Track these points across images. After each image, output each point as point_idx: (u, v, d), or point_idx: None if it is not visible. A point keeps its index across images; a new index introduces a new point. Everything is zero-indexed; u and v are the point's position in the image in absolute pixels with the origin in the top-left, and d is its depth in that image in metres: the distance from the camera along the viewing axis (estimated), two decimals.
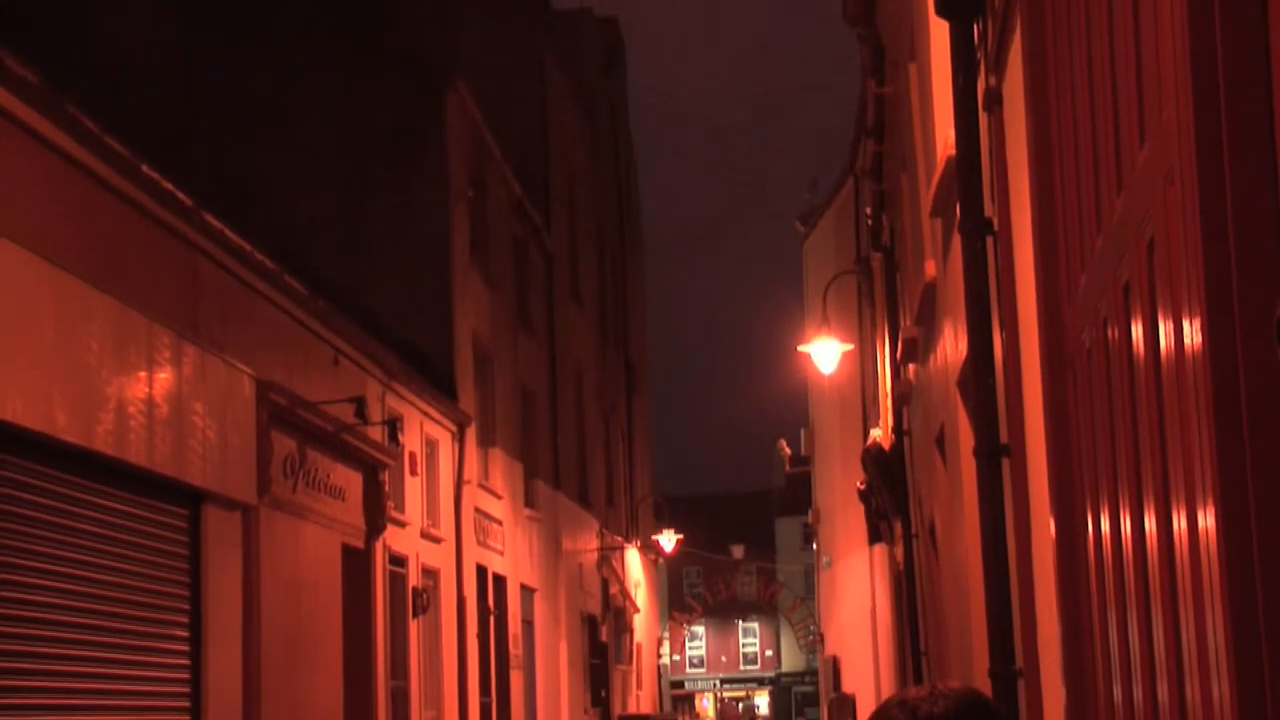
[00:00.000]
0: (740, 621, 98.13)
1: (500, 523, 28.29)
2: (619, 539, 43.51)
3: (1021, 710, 7.28)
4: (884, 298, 20.36)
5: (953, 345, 10.29)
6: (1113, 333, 4.63)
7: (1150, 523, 4.14)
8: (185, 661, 14.62)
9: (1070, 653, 5.83)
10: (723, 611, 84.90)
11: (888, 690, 27.20)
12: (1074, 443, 5.69)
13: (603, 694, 38.97)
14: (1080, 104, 5.11)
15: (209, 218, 15.16)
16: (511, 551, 29.32)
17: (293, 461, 17.46)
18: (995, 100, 7.34)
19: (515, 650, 29.27)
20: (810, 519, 49.11)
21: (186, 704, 14.61)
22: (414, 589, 22.37)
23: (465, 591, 25.24)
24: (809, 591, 62.68)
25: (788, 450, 50.95)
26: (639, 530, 48.19)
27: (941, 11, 8.09)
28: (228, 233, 15.65)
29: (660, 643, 56.69)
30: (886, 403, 22.02)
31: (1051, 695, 6.61)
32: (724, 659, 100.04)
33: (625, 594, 43.63)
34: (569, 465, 36.29)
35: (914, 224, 14.38)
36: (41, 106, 11.96)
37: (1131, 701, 4.69)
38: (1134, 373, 4.27)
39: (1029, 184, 6.14)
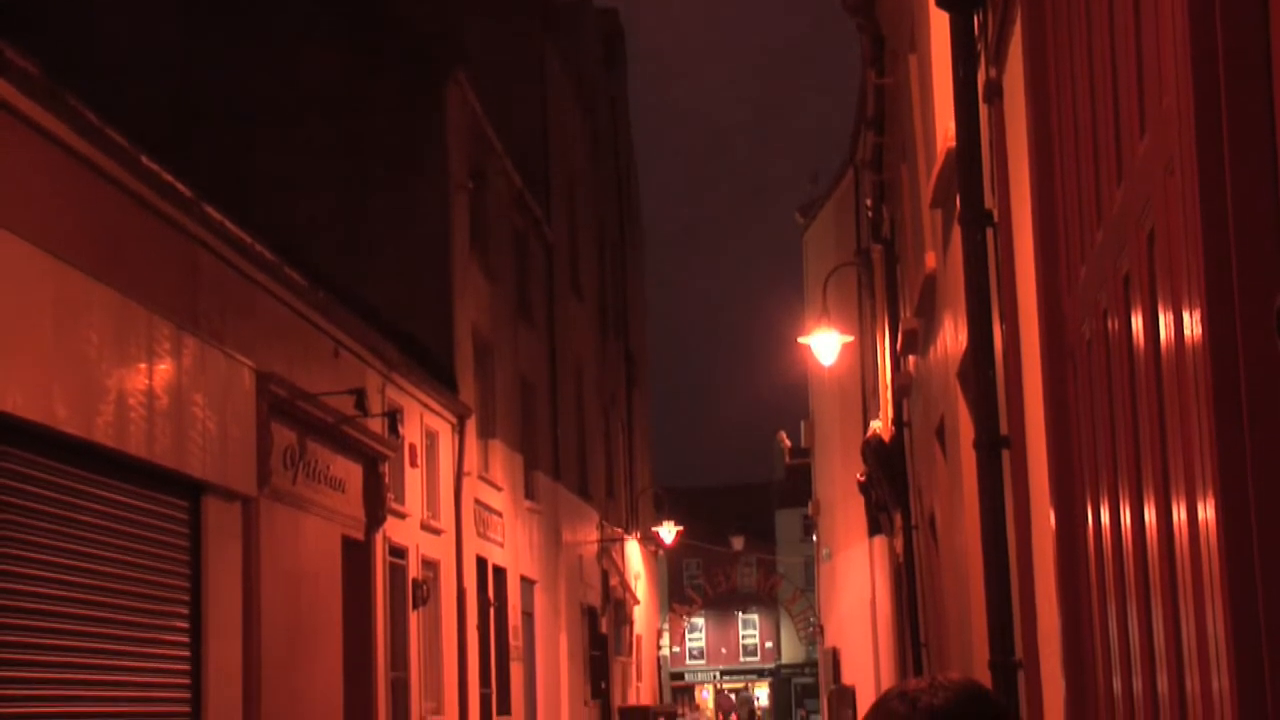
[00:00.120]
0: (740, 613, 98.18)
1: (500, 514, 28.30)
2: (619, 531, 43.53)
3: (1021, 701, 7.28)
4: (884, 289, 20.36)
5: (953, 337, 10.29)
6: (1113, 324, 4.63)
7: (1150, 514, 4.14)
8: (185, 653, 14.63)
9: (1070, 644, 5.84)
10: (722, 603, 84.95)
11: (887, 682, 27.22)
12: (1074, 434, 5.69)
13: (603, 685, 39.00)
14: (1080, 95, 5.11)
15: (209, 210, 15.16)
16: (511, 543, 29.33)
17: (293, 453, 17.47)
18: (995, 92, 7.34)
19: (515, 642, 29.29)
20: (810, 511, 49.13)
21: (187, 694, 14.62)
22: (414, 580, 22.38)
23: (465, 583, 25.26)
24: (809, 583, 62.72)
25: (788, 442, 50.97)
26: (639, 522, 48.21)
27: (942, 3, 8.08)
28: (228, 225, 15.65)
29: (660, 634, 56.73)
30: (886, 394, 22.02)
31: (1051, 687, 6.62)
32: (724, 651, 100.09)
33: (625, 586, 43.66)
34: (569, 457, 36.30)
35: (914, 215, 14.37)
36: (43, 99, 11.96)
37: (1131, 693, 4.69)
38: (1134, 364, 4.27)
39: (1029, 175, 6.13)
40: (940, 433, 12.37)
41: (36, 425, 11.83)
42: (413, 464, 22.69)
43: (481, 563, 26.77)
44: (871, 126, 19.18)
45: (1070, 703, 5.91)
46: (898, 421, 19.35)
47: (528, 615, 30.82)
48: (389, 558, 21.19)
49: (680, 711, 57.64)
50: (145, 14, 26.00)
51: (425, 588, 22.78)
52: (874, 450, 21.71)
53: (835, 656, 42.58)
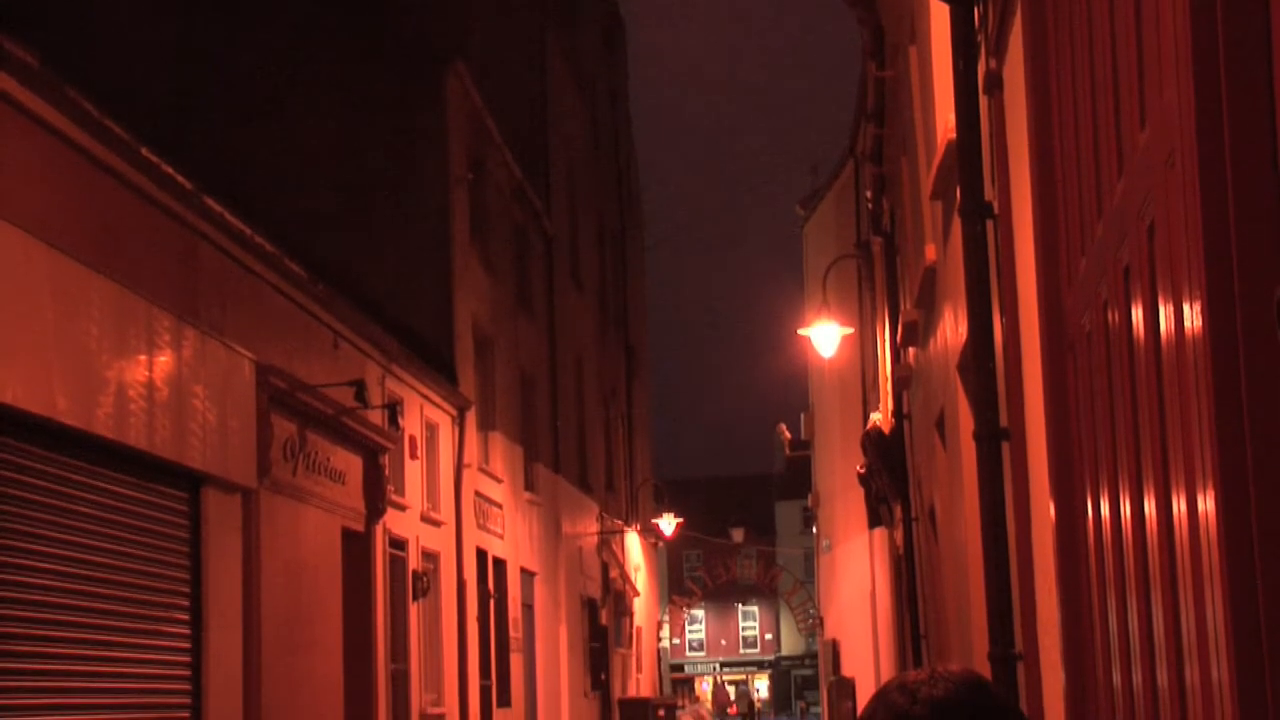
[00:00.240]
0: (740, 605, 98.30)
1: (500, 506, 28.31)
2: (619, 522, 43.54)
3: (1021, 693, 7.29)
4: (884, 281, 20.36)
5: (953, 329, 10.29)
6: (1113, 316, 4.63)
7: (1150, 506, 4.14)
8: (186, 644, 14.64)
9: (1070, 636, 5.84)
10: (722, 595, 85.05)
11: (887, 673, 27.23)
12: (1074, 426, 5.69)
13: (602, 677, 39.02)
14: (1081, 87, 5.11)
15: (209, 201, 15.15)
16: (511, 535, 29.34)
17: (293, 444, 17.47)
18: (996, 83, 7.34)
19: (515, 633, 29.31)
20: (810, 503, 49.16)
21: (187, 686, 14.63)
22: (414, 572, 22.39)
23: (465, 575, 25.27)
24: (809, 575, 62.73)
25: (788, 434, 50.98)
26: (639, 514, 48.22)
27: None
28: (228, 216, 15.64)
29: (660, 626, 56.76)
30: (886, 386, 22.02)
31: (1051, 678, 6.62)
32: (724, 642, 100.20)
33: (625, 577, 43.68)
34: (569, 449, 36.31)
35: (914, 208, 14.37)
36: (42, 90, 11.95)
37: (1131, 685, 4.70)
38: (1134, 356, 4.27)
39: (1029, 167, 6.13)
40: (940, 424, 12.37)
41: (36, 416, 11.84)
42: (413, 456, 22.69)
43: (481, 554, 26.78)
44: (872, 119, 19.17)
45: (1070, 694, 5.92)
46: (898, 413, 19.35)
47: (528, 607, 30.83)
48: (389, 549, 21.20)
49: (680, 703, 57.63)
50: (145, 6, 25.98)
51: (425, 579, 22.79)
52: (874, 442, 21.72)
53: (835, 648, 42.61)
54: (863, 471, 25.17)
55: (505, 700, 28.17)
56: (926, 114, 12.10)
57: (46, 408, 11.93)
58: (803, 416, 47.44)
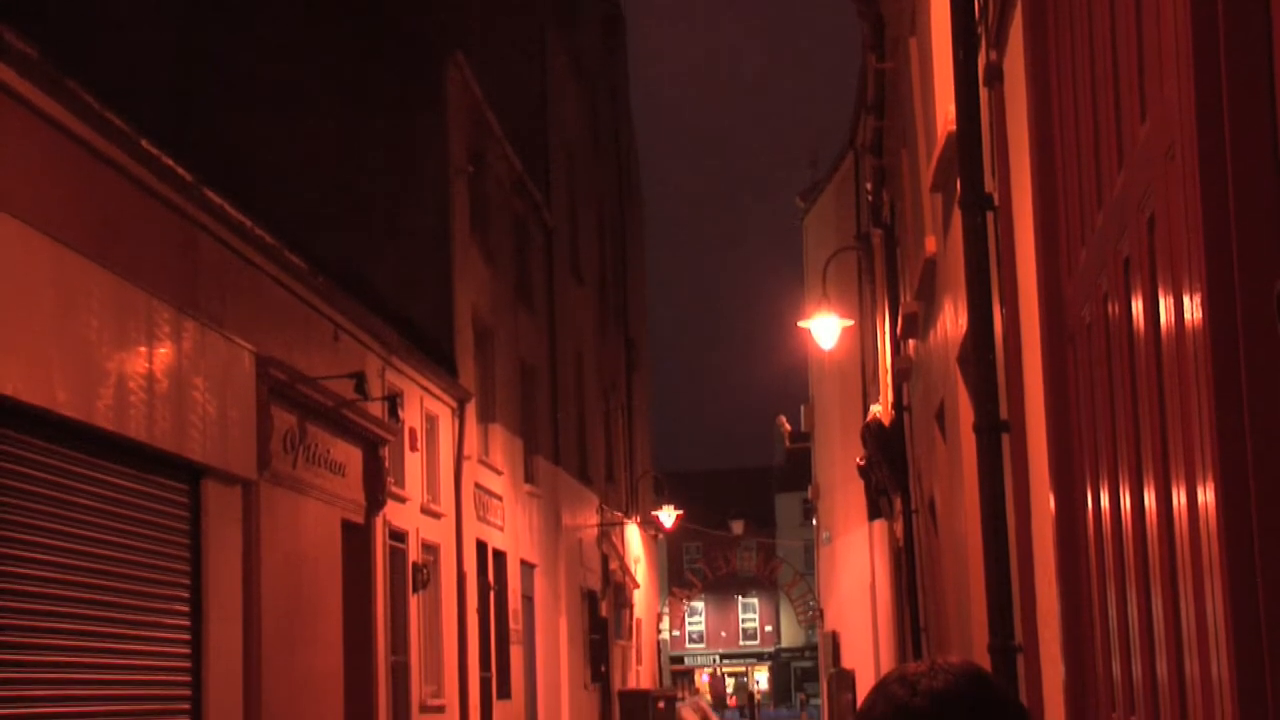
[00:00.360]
0: (740, 597, 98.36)
1: (500, 498, 28.31)
2: (619, 514, 43.55)
3: (1021, 685, 7.29)
4: (884, 273, 20.36)
5: (953, 321, 10.29)
6: (1113, 308, 4.63)
7: (1150, 498, 4.14)
8: (186, 636, 14.65)
9: (1070, 628, 5.84)
10: (722, 587, 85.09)
11: (887, 665, 27.25)
12: (1074, 418, 5.69)
13: (602, 669, 39.04)
14: (1081, 79, 5.10)
15: (209, 193, 15.15)
16: (511, 527, 29.34)
17: (293, 436, 17.47)
18: (996, 75, 7.33)
19: (515, 625, 29.32)
20: (810, 495, 49.17)
21: (187, 678, 14.64)
22: (414, 564, 22.39)
23: (465, 567, 25.27)
24: (808, 567, 62.79)
25: (788, 426, 51.01)
26: (639, 506, 48.23)
27: None
28: (228, 208, 15.64)
29: (660, 618, 56.79)
30: (886, 378, 22.03)
31: (1050, 670, 6.63)
32: (723, 634, 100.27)
33: (625, 569, 43.69)
34: (569, 441, 36.31)
35: (914, 199, 14.37)
36: (42, 82, 11.95)
37: (1131, 677, 4.70)
38: (1134, 348, 4.27)
39: (1030, 159, 6.13)
40: (940, 416, 12.37)
41: (36, 408, 11.84)
42: (413, 448, 22.69)
43: (481, 546, 26.79)
44: (872, 111, 19.16)
45: (1069, 687, 5.92)
46: (897, 405, 19.35)
47: (528, 599, 30.84)
48: (389, 541, 21.20)
49: (680, 695, 57.67)
50: (145, 1, 25.96)
51: (425, 571, 22.80)
52: (874, 434, 21.72)
53: (835, 640, 42.63)
54: (862, 464, 25.17)
55: (505, 692, 28.19)
56: (927, 106, 12.10)
57: (46, 399, 11.93)
58: (802, 409, 47.45)
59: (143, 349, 13.62)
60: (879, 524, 29.13)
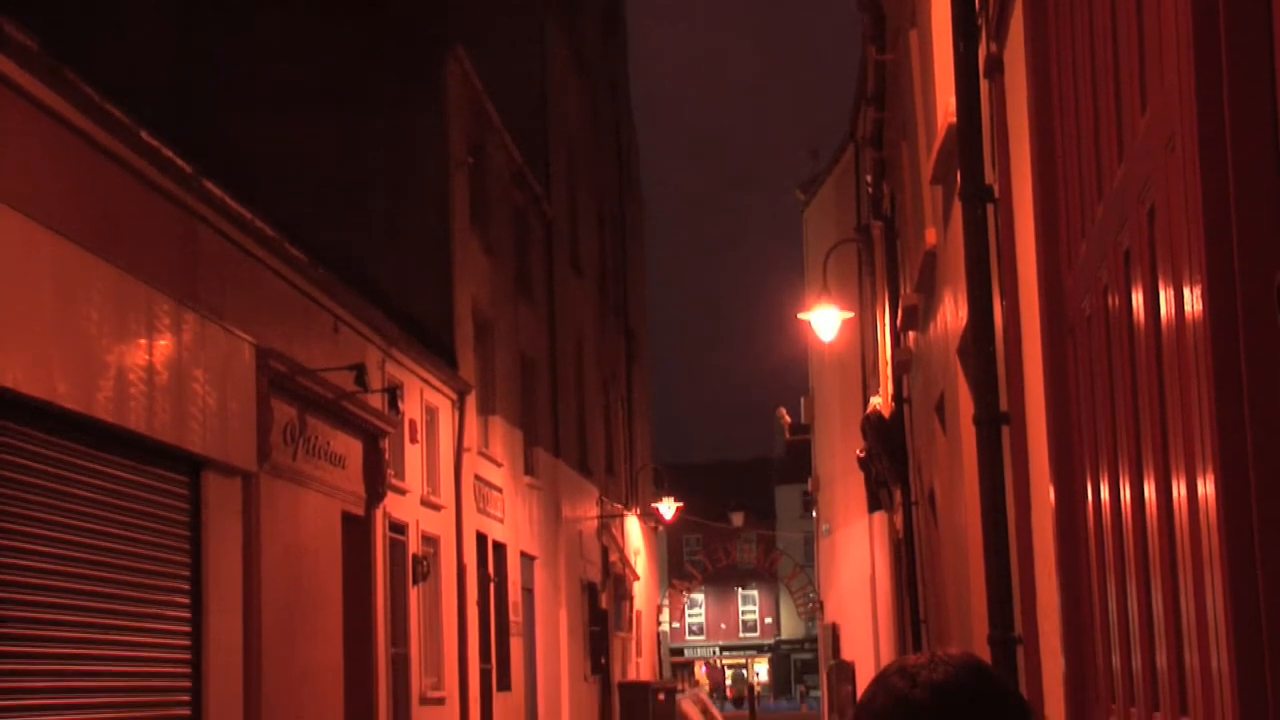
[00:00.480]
0: (740, 589, 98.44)
1: (500, 490, 28.32)
2: (619, 506, 43.56)
3: (1021, 677, 7.29)
4: (884, 265, 20.35)
5: (953, 313, 10.29)
6: (1113, 300, 4.63)
7: (1150, 490, 4.14)
8: (186, 628, 14.65)
9: (1069, 620, 5.85)
10: (722, 579, 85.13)
11: (887, 657, 27.26)
12: (1074, 410, 5.69)
13: (602, 661, 39.06)
14: (1081, 71, 5.10)
15: (209, 185, 15.14)
16: (511, 519, 29.35)
17: (293, 429, 17.47)
18: (996, 67, 7.33)
19: (515, 617, 29.33)
20: (810, 486, 49.17)
21: (187, 670, 14.64)
22: (414, 556, 22.40)
23: (465, 559, 25.28)
24: (808, 559, 62.78)
25: (788, 418, 50.98)
26: (639, 498, 48.24)
27: None
28: (228, 200, 15.63)
29: (660, 610, 56.81)
30: (886, 370, 22.03)
31: (1050, 662, 6.63)
32: (723, 626, 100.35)
33: (625, 561, 43.71)
34: (569, 433, 36.32)
35: (914, 191, 14.36)
36: (42, 73, 11.94)
37: (1130, 669, 4.70)
38: (1134, 340, 4.27)
39: (1030, 151, 6.13)
40: (940, 408, 12.37)
41: (36, 400, 11.84)
42: (413, 440, 22.70)
43: (481, 538, 26.80)
44: (872, 102, 19.15)
45: (1069, 678, 5.92)
46: (898, 397, 19.36)
47: (528, 591, 30.85)
48: (389, 533, 21.21)
49: (680, 687, 57.70)
50: None
51: (425, 563, 22.81)
52: (874, 426, 21.73)
53: (835, 632, 42.65)
54: (862, 456, 25.18)
55: (505, 684, 28.20)
56: (927, 98, 12.09)
57: (46, 392, 11.93)
58: (802, 400, 47.44)
59: (143, 341, 13.62)
60: (879, 516, 29.15)
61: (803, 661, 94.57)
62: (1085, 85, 5.01)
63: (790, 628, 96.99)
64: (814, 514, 50.99)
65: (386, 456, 20.75)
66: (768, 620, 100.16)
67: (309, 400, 17.93)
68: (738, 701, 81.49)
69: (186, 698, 14.59)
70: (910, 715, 2.47)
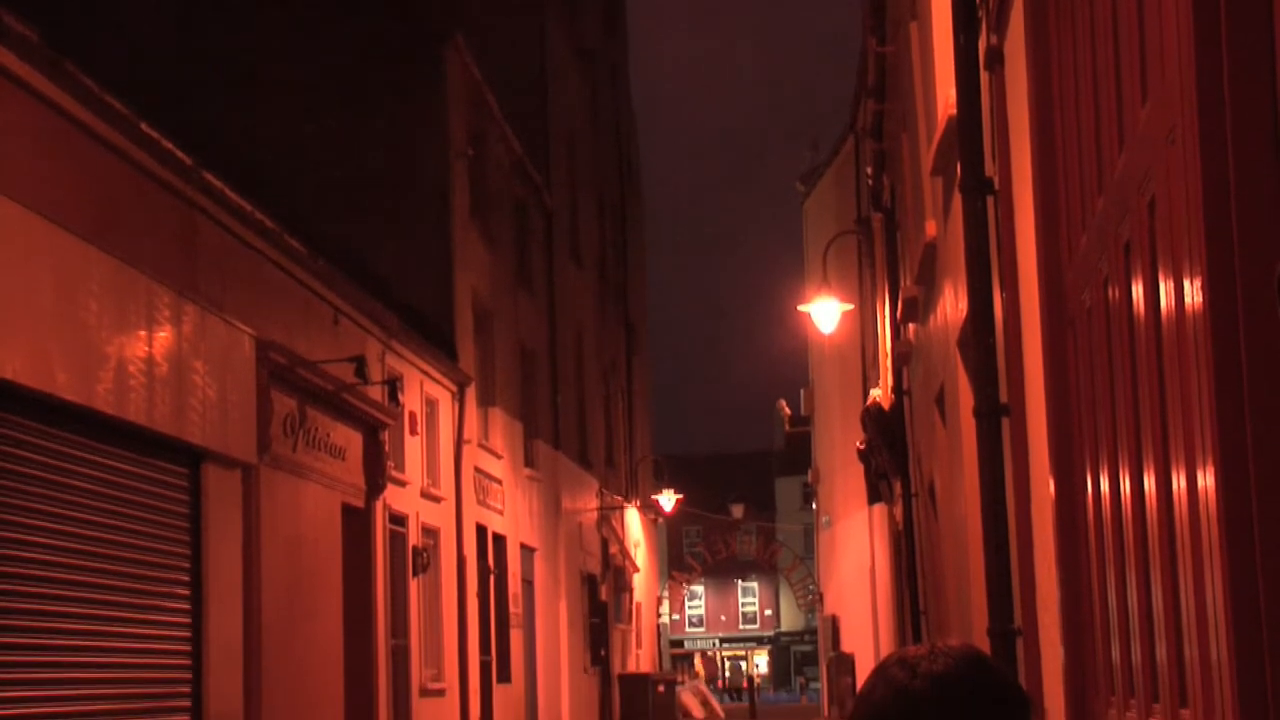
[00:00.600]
0: (739, 581, 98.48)
1: (500, 482, 28.33)
2: (618, 498, 43.57)
3: (1020, 669, 7.30)
4: (884, 257, 20.35)
5: (953, 305, 10.29)
6: (1113, 292, 4.63)
7: (1150, 483, 4.14)
8: (186, 620, 14.66)
9: (1069, 612, 5.85)
10: (722, 571, 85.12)
11: (887, 649, 27.28)
12: (1074, 402, 5.69)
13: (602, 653, 39.08)
14: (1082, 63, 5.10)
15: (208, 176, 15.13)
16: (511, 511, 29.36)
17: (293, 420, 17.47)
18: (996, 59, 7.32)
19: (515, 609, 29.34)
20: (810, 479, 49.21)
21: (187, 662, 14.65)
22: (414, 548, 22.41)
23: (465, 550, 25.29)
24: (808, 551, 62.86)
25: (787, 410, 51.04)
26: (638, 490, 48.25)
27: None
28: (227, 192, 15.63)
29: (660, 602, 56.84)
30: (886, 362, 22.03)
31: (1050, 654, 6.63)
32: (723, 618, 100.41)
33: (625, 553, 43.72)
34: (569, 425, 36.32)
35: (915, 183, 14.36)
36: (41, 65, 11.93)
37: (1130, 661, 4.70)
38: (1134, 332, 4.27)
39: (1030, 143, 6.13)
40: (940, 400, 12.37)
41: (36, 392, 11.83)
42: (413, 432, 22.70)
43: (481, 530, 26.81)
44: (872, 94, 19.14)
45: (1069, 671, 5.92)
46: (898, 389, 19.36)
47: (527, 583, 30.87)
48: (389, 525, 21.22)
49: (680, 679, 57.73)
50: None
51: (425, 555, 22.82)
52: (874, 418, 21.72)
53: (834, 624, 42.70)
54: (862, 447, 25.18)
55: (505, 676, 28.22)
56: (927, 89, 12.08)
57: (46, 383, 11.93)
58: (803, 392, 47.47)
59: (142, 333, 13.62)
60: (879, 508, 29.16)
61: (803, 653, 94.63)
62: (1085, 77, 5.00)
63: (790, 620, 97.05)
64: (814, 506, 51.02)
65: (386, 448, 20.75)
66: (768, 612, 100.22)
67: (309, 392, 17.93)
68: (731, 693, 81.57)
69: (187, 689, 14.60)
70: (910, 706, 2.47)
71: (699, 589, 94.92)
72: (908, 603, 19.48)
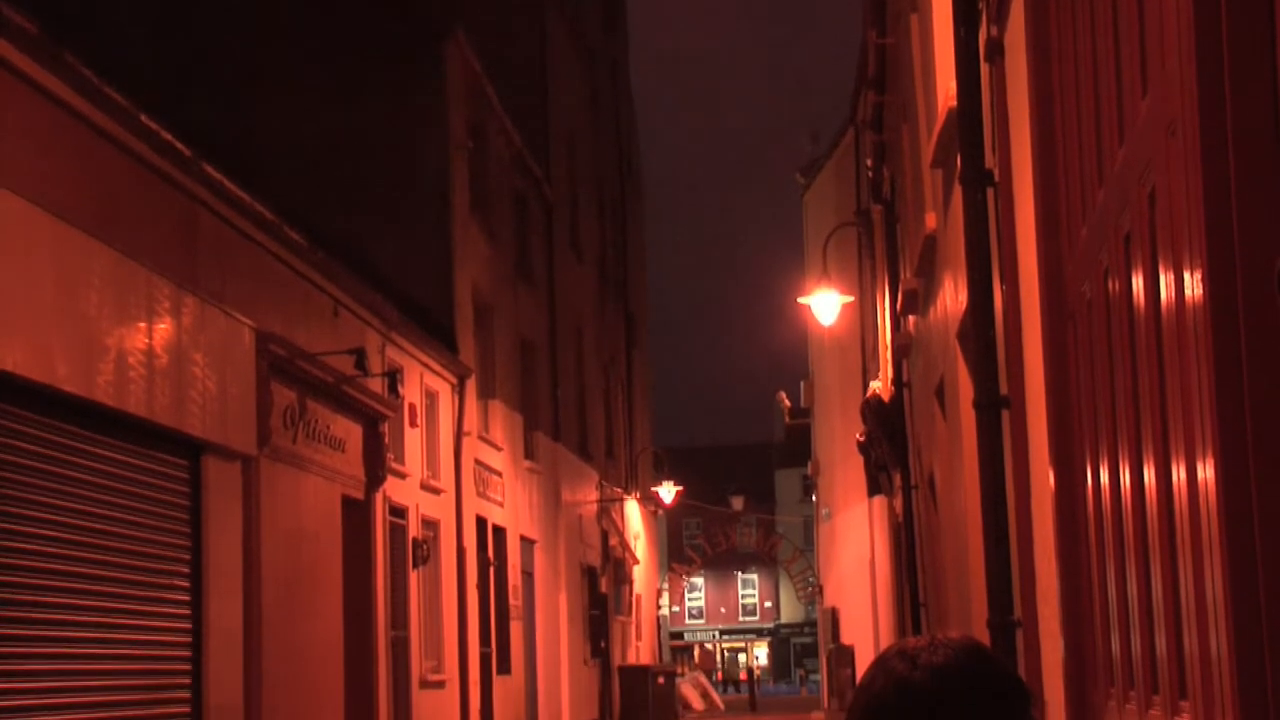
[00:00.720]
0: (739, 573, 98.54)
1: (500, 474, 28.34)
2: (618, 490, 43.59)
3: (1020, 660, 7.30)
4: (884, 249, 20.35)
5: (953, 297, 10.29)
6: (1113, 284, 4.63)
7: (1150, 475, 4.14)
8: (186, 611, 14.66)
9: (1069, 604, 5.85)
10: (722, 563, 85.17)
11: (886, 641, 27.30)
12: (1074, 394, 5.69)
13: (602, 645, 39.11)
14: (1082, 55, 5.09)
15: (208, 168, 15.13)
16: (511, 503, 29.37)
17: (293, 412, 17.47)
18: (997, 51, 7.32)
19: (515, 601, 29.36)
20: (810, 471, 49.22)
21: (187, 654, 14.66)
22: (414, 540, 22.42)
23: (465, 543, 25.30)
24: (808, 543, 62.85)
25: (787, 402, 51.02)
26: (638, 482, 48.27)
27: None
28: (227, 184, 15.62)
29: (659, 594, 56.87)
30: (886, 354, 22.03)
31: (1050, 646, 6.64)
32: (723, 610, 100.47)
33: (625, 545, 43.74)
34: (569, 417, 36.33)
35: (915, 175, 14.35)
36: (41, 56, 11.92)
37: (1130, 653, 4.71)
38: (1134, 324, 4.27)
39: (1030, 135, 6.12)
40: (940, 393, 12.38)
41: (36, 384, 11.83)
42: (412, 424, 22.70)
43: (481, 522, 26.81)
44: (872, 86, 19.14)
45: (1069, 662, 5.93)
46: (897, 381, 19.36)
47: (527, 575, 30.88)
48: (389, 517, 21.22)
49: (680, 671, 57.77)
50: None
51: (425, 547, 22.83)
52: (874, 410, 21.74)
53: (834, 616, 42.72)
54: (862, 440, 25.20)
55: (505, 667, 28.24)
56: (927, 81, 12.08)
57: (46, 375, 11.93)
58: (802, 384, 47.48)
59: (143, 324, 13.62)
60: (879, 500, 29.18)
61: (802, 645, 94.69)
62: (1086, 69, 5.00)
63: (790, 611, 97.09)
64: (814, 498, 51.03)
65: (386, 440, 20.75)
66: (767, 604, 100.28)
67: (309, 384, 17.93)
68: (727, 684, 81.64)
69: (187, 680, 14.61)
70: (910, 697, 2.47)
71: (699, 581, 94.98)
72: (907, 595, 19.49)
